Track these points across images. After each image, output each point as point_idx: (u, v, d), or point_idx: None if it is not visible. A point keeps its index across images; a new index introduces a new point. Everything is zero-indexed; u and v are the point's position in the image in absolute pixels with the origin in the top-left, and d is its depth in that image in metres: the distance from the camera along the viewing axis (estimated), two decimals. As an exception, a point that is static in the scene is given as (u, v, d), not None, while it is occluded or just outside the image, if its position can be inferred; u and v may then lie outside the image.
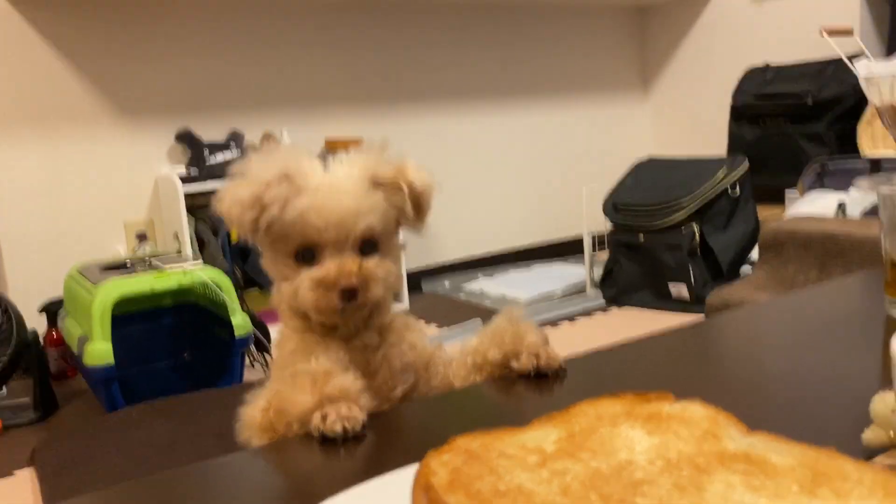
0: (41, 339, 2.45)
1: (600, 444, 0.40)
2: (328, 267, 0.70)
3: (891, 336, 0.74)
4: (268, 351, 2.46)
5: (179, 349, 2.61)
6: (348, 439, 0.58)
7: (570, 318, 3.05)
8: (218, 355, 2.43)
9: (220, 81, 3.22)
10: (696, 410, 0.41)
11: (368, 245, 0.73)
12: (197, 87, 3.18)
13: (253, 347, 2.49)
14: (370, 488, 0.43)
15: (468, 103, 3.91)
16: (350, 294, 0.70)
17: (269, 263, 0.76)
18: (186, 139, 3.04)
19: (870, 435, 0.49)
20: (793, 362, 0.68)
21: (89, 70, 2.95)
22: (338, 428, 0.58)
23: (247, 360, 2.46)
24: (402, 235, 0.81)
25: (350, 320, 0.73)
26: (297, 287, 0.71)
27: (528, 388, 0.67)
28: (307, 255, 0.72)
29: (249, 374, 2.46)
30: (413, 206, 0.75)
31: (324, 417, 0.59)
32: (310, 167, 0.73)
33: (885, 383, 0.53)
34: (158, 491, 0.52)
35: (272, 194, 0.70)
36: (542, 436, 0.41)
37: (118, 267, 2.39)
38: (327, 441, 0.58)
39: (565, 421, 0.43)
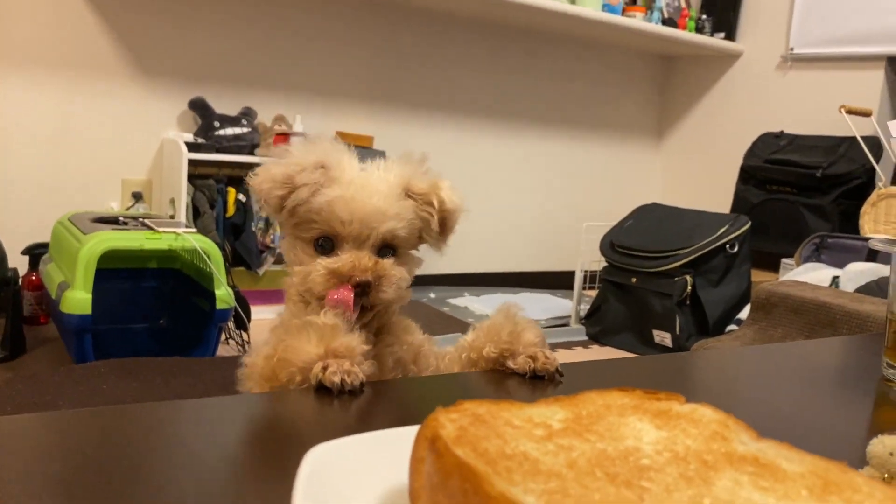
0: (20, 281, 2.42)
1: (607, 430, 0.39)
2: (344, 259, 0.71)
3: (883, 395, 0.74)
4: (246, 329, 2.44)
5: (157, 314, 2.59)
6: (344, 393, 0.57)
7: (552, 348, 3.03)
8: (195, 325, 2.41)
9: (241, 57, 3.22)
10: (705, 413, 0.41)
11: (387, 249, 0.74)
12: (218, 59, 3.17)
13: (231, 324, 2.47)
14: (366, 439, 0.42)
15: (481, 121, 3.92)
16: (363, 289, 0.70)
17: (287, 246, 0.76)
18: (199, 107, 3.03)
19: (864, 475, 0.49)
20: (782, 400, 0.68)
21: (115, 22, 2.94)
22: (336, 379, 0.58)
23: (223, 336, 2.44)
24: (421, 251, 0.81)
25: (354, 319, 0.72)
26: (309, 272, 0.72)
27: (522, 385, 0.66)
28: (327, 244, 0.73)
29: (224, 350, 2.44)
30: (439, 223, 0.76)
31: (324, 368, 0.59)
32: (348, 163, 0.75)
33: (876, 429, 0.53)
34: (118, 422, 0.51)
35: (305, 177, 0.71)
36: (549, 413, 0.41)
37: (111, 221, 2.37)
38: (323, 391, 0.58)
39: (572, 404, 0.42)
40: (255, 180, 0.75)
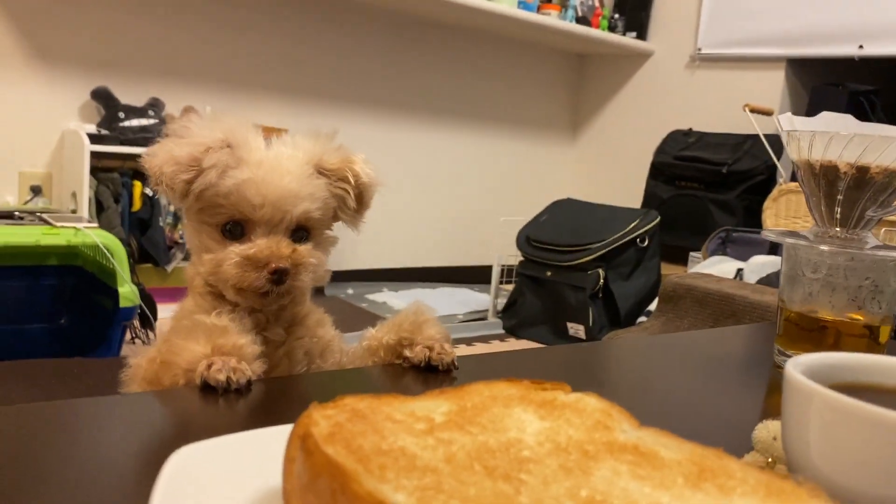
0: None
1: (490, 422, 0.38)
2: (260, 245, 0.67)
3: (775, 382, 0.76)
4: (152, 328, 2.35)
5: (57, 313, 2.46)
6: (230, 391, 0.55)
7: (469, 342, 3.05)
8: (97, 325, 2.31)
9: (148, 45, 3.10)
10: (590, 402, 0.40)
11: (301, 231, 0.70)
12: (123, 47, 3.05)
13: (137, 323, 2.37)
14: (238, 439, 0.40)
15: (398, 115, 3.90)
16: (279, 277, 0.66)
17: (191, 232, 0.71)
18: (103, 97, 2.90)
19: (749, 460, 0.50)
20: (680, 387, 0.69)
21: (8, 4, 2.78)
22: (221, 377, 0.55)
23: (128, 336, 2.35)
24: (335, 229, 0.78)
25: (268, 306, 0.70)
26: (221, 260, 0.67)
27: (416, 379, 0.65)
28: (236, 230, 0.68)
29: (128, 350, 2.34)
30: (355, 200, 0.73)
31: (209, 366, 0.56)
32: (254, 141, 0.70)
33: (767, 415, 0.54)
34: (12, 423, 0.48)
35: (212, 159, 0.66)
36: (433, 406, 0.39)
37: (5, 216, 2.24)
38: (208, 390, 0.55)
39: (458, 396, 0.41)
40: (152, 161, 0.68)
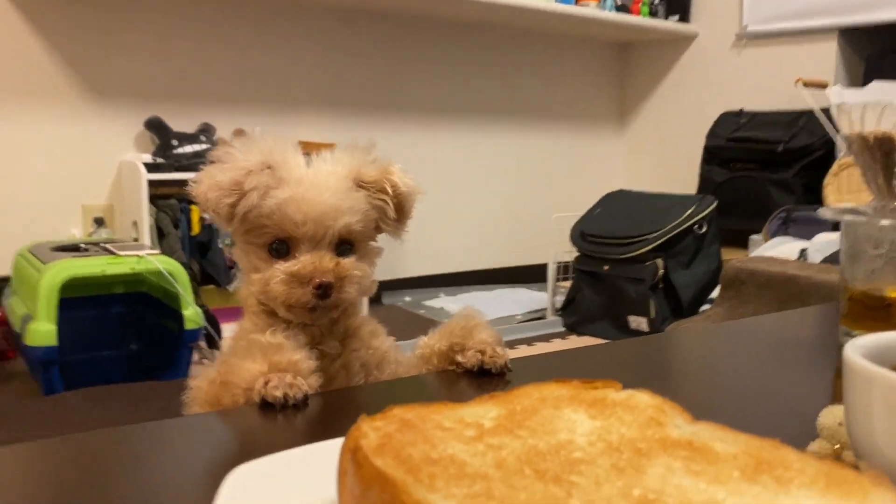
0: (-16, 317, 2.37)
1: (540, 424, 0.38)
2: (304, 261, 0.68)
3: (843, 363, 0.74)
4: (218, 347, 2.41)
5: (127, 339, 2.54)
6: (287, 407, 0.56)
7: (529, 342, 3.04)
8: (166, 348, 2.38)
9: (195, 73, 3.18)
10: (642, 399, 0.40)
11: (345, 245, 0.71)
12: (171, 77, 3.13)
13: (203, 343, 2.43)
14: (296, 454, 0.41)
15: (445, 119, 3.91)
16: (324, 291, 0.68)
17: (240, 254, 0.74)
18: (155, 127, 2.99)
19: (815, 447, 0.48)
20: (745, 376, 0.67)
21: (63, 47, 2.89)
22: (278, 393, 0.56)
23: (195, 356, 2.41)
24: (380, 241, 0.79)
25: (318, 321, 0.71)
26: (268, 279, 0.69)
27: (470, 384, 0.65)
28: (281, 248, 0.70)
29: (197, 371, 2.40)
30: (395, 210, 0.74)
31: (266, 383, 0.57)
32: (294, 160, 0.72)
33: (835, 400, 0.52)
34: (84, 449, 0.50)
35: (253, 181, 0.68)
36: (482, 412, 0.39)
37: (71, 248, 2.33)
38: (267, 407, 0.56)
39: (507, 400, 0.41)
40: (198, 188, 0.71)
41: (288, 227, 0.69)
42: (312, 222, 0.69)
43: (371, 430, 0.35)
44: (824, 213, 0.79)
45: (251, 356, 0.61)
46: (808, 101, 3.13)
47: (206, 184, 0.70)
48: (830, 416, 0.48)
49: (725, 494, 0.29)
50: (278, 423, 0.55)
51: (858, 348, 0.42)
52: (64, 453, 0.49)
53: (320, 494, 0.37)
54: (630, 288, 3.01)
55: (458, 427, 0.37)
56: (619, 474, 0.32)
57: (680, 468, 0.32)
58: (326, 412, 0.58)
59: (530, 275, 4.03)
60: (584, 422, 0.38)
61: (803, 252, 2.53)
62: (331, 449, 0.39)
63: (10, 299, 2.37)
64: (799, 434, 0.51)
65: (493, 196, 4.12)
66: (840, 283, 0.79)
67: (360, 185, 0.72)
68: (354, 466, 0.33)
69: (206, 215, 0.72)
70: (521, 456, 0.34)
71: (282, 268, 0.69)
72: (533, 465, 0.34)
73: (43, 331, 2.02)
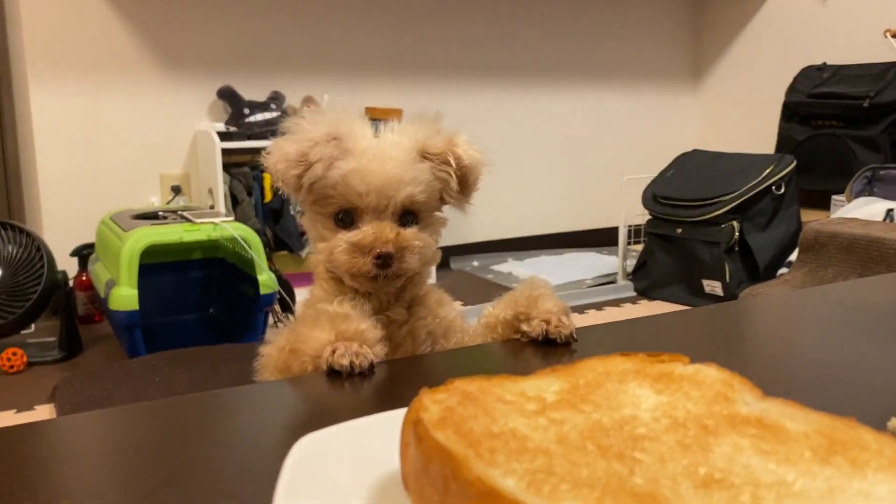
0: (71, 282, 2.48)
1: (604, 399, 0.37)
2: (365, 231, 0.70)
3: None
4: (292, 311, 2.47)
5: (205, 303, 2.63)
6: (354, 375, 0.57)
7: (598, 307, 3.01)
8: (243, 312, 2.45)
9: (264, 42, 3.22)
10: (709, 373, 0.39)
11: (409, 215, 0.72)
12: (242, 46, 3.18)
13: (278, 307, 2.50)
14: (362, 423, 0.41)
15: (513, 81, 3.85)
16: (384, 261, 0.69)
17: (308, 223, 0.76)
18: (228, 96, 3.05)
19: (894, 425, 0.46)
20: (823, 348, 0.65)
21: (137, 19, 2.96)
22: (345, 361, 0.57)
23: (270, 320, 2.47)
24: (445, 211, 0.80)
25: (382, 290, 0.73)
26: (332, 248, 0.71)
27: (535, 353, 0.64)
28: (346, 218, 0.72)
29: (270, 333, 2.47)
30: (459, 182, 0.74)
31: (333, 351, 0.58)
32: (360, 131, 0.73)
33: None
34: (160, 415, 0.52)
35: (318, 153, 0.70)
36: (545, 385, 0.39)
37: (150, 216, 2.41)
38: (334, 375, 0.57)
39: (570, 374, 0.40)
40: (269, 160, 0.73)
41: (352, 198, 0.70)
42: (375, 193, 0.70)
43: (432, 403, 0.36)
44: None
45: (319, 325, 0.63)
46: (897, 52, 2.96)
47: (275, 155, 0.73)
48: (913, 391, 0.46)
49: (796, 476, 0.28)
50: (345, 390, 0.56)
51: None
52: (141, 419, 0.51)
53: (384, 465, 0.38)
54: (704, 251, 2.93)
55: (519, 400, 0.37)
56: (685, 452, 0.32)
57: (748, 447, 0.31)
58: (392, 380, 0.59)
59: (600, 239, 3.97)
60: (650, 397, 0.37)
61: (890, 213, 2.42)
62: (394, 420, 0.39)
63: (95, 266, 2.48)
64: (877, 411, 0.49)
65: (562, 158, 4.06)
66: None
67: (425, 156, 0.73)
68: (416, 439, 0.33)
69: (277, 185, 0.74)
70: (584, 431, 0.34)
71: (345, 237, 0.70)
72: (595, 440, 0.33)
73: (125, 296, 2.10)
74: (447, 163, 0.73)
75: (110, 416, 0.52)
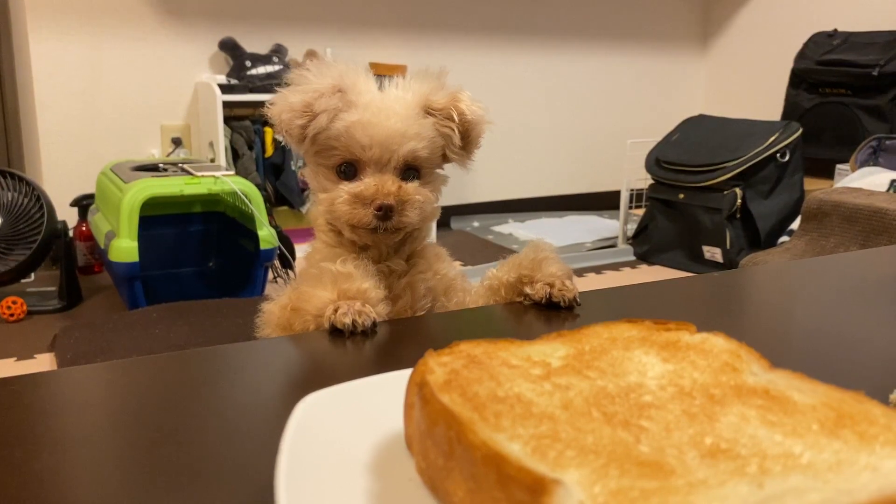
0: (70, 232, 2.48)
1: (610, 365, 0.37)
2: (367, 183, 0.70)
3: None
4: (291, 267, 2.47)
5: (205, 257, 2.63)
6: (356, 334, 0.57)
7: (598, 270, 3.01)
8: (242, 266, 2.45)
9: (269, -8, 3.17)
10: (717, 342, 0.38)
11: (410, 170, 0.73)
12: (246, -4, 3.13)
13: (277, 262, 2.50)
14: (365, 383, 0.41)
15: (518, 41, 3.80)
16: (385, 213, 0.69)
17: (310, 174, 0.76)
18: (229, 48, 3.01)
19: (898, 397, 0.46)
20: (825, 317, 0.64)
21: (139, -33, 2.91)
22: (347, 320, 0.58)
23: (270, 275, 2.47)
24: (447, 170, 0.80)
25: (381, 242, 0.73)
26: (333, 199, 0.71)
27: (538, 317, 0.64)
28: (349, 170, 0.72)
29: (272, 289, 2.47)
30: (462, 138, 0.74)
31: (336, 310, 0.59)
32: (364, 85, 0.73)
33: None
34: (163, 370, 0.52)
35: (323, 104, 0.70)
36: (550, 350, 0.39)
37: (151, 168, 2.40)
38: (336, 333, 0.57)
39: (576, 339, 0.40)
40: (273, 110, 0.73)
41: (355, 150, 0.71)
42: (378, 146, 0.70)
43: (438, 366, 0.35)
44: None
45: (322, 284, 0.63)
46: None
47: (279, 105, 0.73)
48: (918, 364, 0.46)
49: (803, 448, 0.28)
50: (347, 349, 0.56)
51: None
52: (143, 374, 0.51)
53: (388, 425, 0.38)
54: (706, 217, 2.93)
55: (524, 365, 0.37)
56: (691, 421, 0.32)
57: (755, 417, 0.31)
58: (394, 340, 0.59)
59: (602, 202, 3.96)
60: (656, 365, 0.37)
61: (893, 183, 2.40)
62: (398, 380, 0.39)
63: (95, 216, 2.47)
64: (882, 383, 0.49)
65: (565, 120, 4.03)
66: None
67: (429, 111, 0.73)
68: (421, 402, 0.33)
69: (279, 136, 0.76)
70: (589, 397, 0.34)
71: (346, 188, 0.71)
72: (601, 407, 0.33)
73: (125, 247, 2.10)
74: (450, 118, 0.73)
75: (112, 370, 0.52)
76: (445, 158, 0.76)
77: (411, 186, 0.72)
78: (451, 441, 0.30)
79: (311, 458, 0.35)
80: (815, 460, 0.27)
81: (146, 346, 1.87)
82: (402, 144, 0.71)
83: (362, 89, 0.73)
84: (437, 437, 0.32)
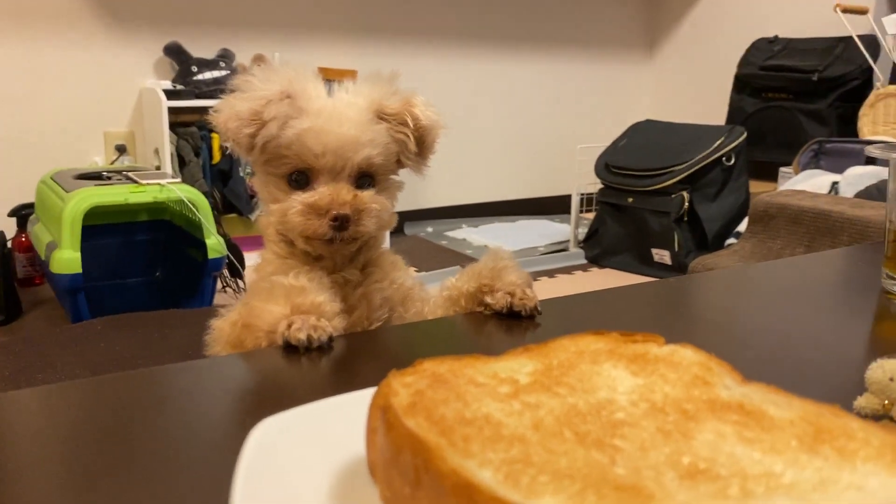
0: (9, 244, 2.38)
1: (579, 381, 0.36)
2: (321, 192, 0.68)
3: (884, 310, 0.71)
4: (241, 276, 2.42)
5: (152, 267, 2.56)
6: (312, 350, 0.55)
7: (550, 274, 3.02)
8: (190, 276, 2.39)
9: (215, -4, 3.11)
10: (686, 355, 0.38)
11: (365, 178, 0.71)
12: (190, 1, 3.06)
13: (226, 272, 2.44)
14: (324, 406, 0.39)
15: (467, 45, 3.81)
16: (341, 223, 0.67)
17: (260, 184, 0.73)
18: (175, 52, 2.94)
19: (863, 402, 0.46)
20: (781, 324, 0.65)
21: (79, -31, 2.82)
22: (302, 336, 0.55)
23: (219, 285, 2.42)
24: (401, 175, 0.78)
25: (337, 253, 0.71)
26: (286, 210, 0.69)
27: (499, 327, 0.63)
28: (301, 179, 0.70)
29: (221, 299, 2.42)
30: (417, 143, 0.72)
31: (289, 325, 0.56)
32: (314, 90, 0.71)
33: (886, 352, 0.50)
34: (107, 392, 0.49)
35: (272, 111, 0.67)
36: (517, 366, 0.37)
37: (94, 177, 2.32)
38: (290, 349, 0.55)
39: (542, 354, 0.39)
40: (218, 118, 0.70)
41: (307, 158, 0.68)
42: (332, 154, 0.68)
43: (402, 387, 0.34)
44: (872, 151, 0.75)
45: (273, 298, 0.60)
46: (846, 27, 3.00)
47: (225, 113, 0.69)
48: (880, 370, 0.46)
49: (784, 467, 0.27)
50: (302, 366, 0.54)
51: (920, 303, 0.39)
52: (85, 397, 0.48)
53: (349, 450, 0.36)
54: (654, 220, 2.96)
55: (492, 383, 0.36)
56: (666, 439, 0.31)
57: (731, 434, 0.30)
58: (352, 355, 0.57)
59: (553, 206, 3.98)
60: (625, 379, 0.36)
61: (835, 185, 2.46)
62: (359, 401, 0.37)
63: (35, 227, 2.38)
64: (843, 387, 0.49)
65: (516, 126, 4.04)
66: (886, 225, 0.76)
67: (382, 117, 0.71)
68: (385, 426, 0.31)
69: (226, 145, 0.71)
70: (560, 416, 0.32)
71: (300, 198, 0.68)
72: (573, 426, 0.32)
73: (67, 258, 2.03)
74: (404, 123, 0.71)
75: (50, 394, 0.49)
76: (400, 164, 0.74)
77: (367, 195, 0.70)
78: (417, 469, 0.29)
79: (268, 487, 0.33)
80: (797, 480, 0.27)
81: (91, 360, 1.81)
82: (356, 151, 0.68)
83: (312, 95, 0.70)
84: (402, 465, 0.30)
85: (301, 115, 0.68)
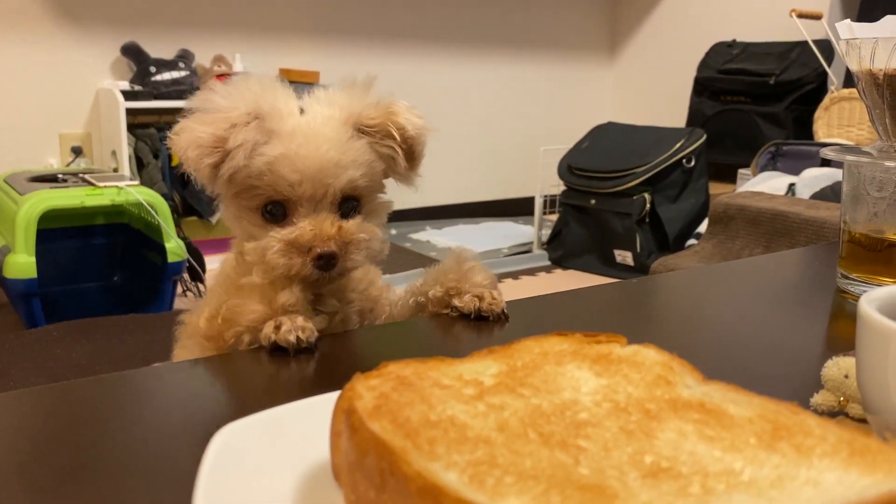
0: (-39, 248, 2.32)
1: (543, 382, 0.36)
2: (302, 227, 0.60)
3: (839, 308, 0.73)
4: (202, 280, 2.38)
5: (109, 271, 2.52)
6: (301, 352, 0.55)
7: (514, 276, 3.04)
8: (149, 280, 2.35)
9: (174, -4, 3.06)
10: (648, 355, 0.38)
11: (349, 203, 0.62)
12: (148, 0, 3.01)
13: (187, 276, 2.41)
14: (287, 410, 0.39)
15: (429, 47, 3.81)
16: (327, 261, 0.60)
17: (231, 219, 0.64)
18: (132, 53, 2.89)
19: (819, 399, 0.47)
20: (740, 323, 0.66)
21: (33, -33, 2.76)
22: (291, 338, 0.54)
23: (179, 289, 2.38)
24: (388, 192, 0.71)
25: (322, 287, 0.65)
26: (265, 249, 0.60)
27: (467, 328, 0.63)
28: (277, 211, 0.61)
29: (181, 303, 2.38)
30: (405, 155, 0.64)
31: (277, 327, 0.55)
32: (285, 107, 0.62)
33: (841, 350, 0.51)
34: (67, 398, 0.48)
35: (238, 138, 0.58)
36: (481, 368, 0.37)
37: (49, 179, 2.28)
38: (277, 351, 0.55)
39: (507, 355, 0.39)
40: (177, 143, 0.60)
41: (282, 189, 0.60)
42: (310, 181, 0.59)
43: (366, 390, 0.34)
44: (827, 153, 0.77)
45: (250, 297, 0.58)
46: (802, 32, 3.07)
47: (184, 138, 0.59)
48: (835, 367, 0.47)
49: (743, 464, 0.28)
50: (265, 369, 0.54)
51: (873, 301, 0.40)
52: (43, 403, 0.47)
53: (314, 455, 0.35)
54: (616, 222, 3.00)
55: (456, 385, 0.36)
56: (629, 438, 0.31)
57: (693, 433, 0.31)
58: (317, 359, 0.56)
59: (517, 208, 4.01)
60: (589, 379, 0.36)
61: (791, 187, 2.52)
62: (324, 405, 0.37)
63: (-12, 230, 2.32)
64: (800, 384, 0.50)
65: (479, 128, 4.06)
66: (840, 226, 0.77)
67: (362, 130, 0.63)
68: (349, 430, 0.31)
69: (188, 173, 0.62)
70: (525, 417, 0.33)
71: (278, 235, 0.60)
72: (537, 427, 0.32)
73: (21, 263, 1.98)
74: (389, 136, 0.64)
75: (5, 402, 0.48)
76: (386, 177, 0.67)
77: (353, 224, 0.61)
78: (382, 472, 0.29)
79: (230, 492, 0.32)
80: (756, 476, 0.27)
81: (46, 367, 1.77)
82: (337, 176, 0.60)
83: (283, 112, 0.61)
84: (367, 469, 0.30)
85: (272, 139, 0.59)
